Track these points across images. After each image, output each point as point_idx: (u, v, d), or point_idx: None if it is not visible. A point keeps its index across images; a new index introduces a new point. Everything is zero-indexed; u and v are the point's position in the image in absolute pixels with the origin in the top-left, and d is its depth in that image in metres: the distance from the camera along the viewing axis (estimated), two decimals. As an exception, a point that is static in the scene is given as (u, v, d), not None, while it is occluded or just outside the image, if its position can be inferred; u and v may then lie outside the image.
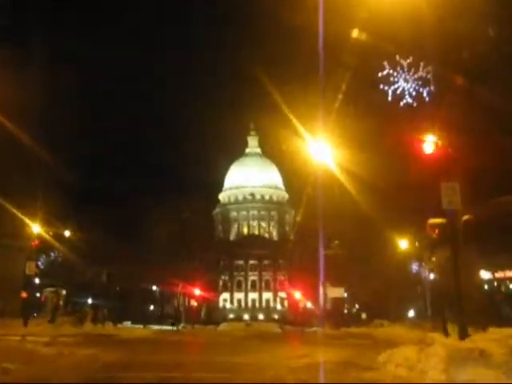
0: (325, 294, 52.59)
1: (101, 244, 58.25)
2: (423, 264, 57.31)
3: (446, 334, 30.92)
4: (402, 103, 40.71)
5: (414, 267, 57.31)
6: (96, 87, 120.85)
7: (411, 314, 75.15)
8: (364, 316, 67.67)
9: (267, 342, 28.76)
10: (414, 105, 40.01)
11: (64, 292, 47.89)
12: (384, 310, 66.51)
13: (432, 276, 38.11)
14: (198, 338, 33.77)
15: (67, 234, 52.41)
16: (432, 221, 19.92)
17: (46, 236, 48.21)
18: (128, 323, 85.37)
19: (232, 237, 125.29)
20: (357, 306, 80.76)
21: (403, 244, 55.30)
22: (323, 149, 29.74)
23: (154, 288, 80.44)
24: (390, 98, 40.97)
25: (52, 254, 59.71)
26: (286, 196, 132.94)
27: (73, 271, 56.13)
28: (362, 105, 41.79)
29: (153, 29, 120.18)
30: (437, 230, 20.19)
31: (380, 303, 63.76)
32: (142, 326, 49.28)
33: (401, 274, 56.16)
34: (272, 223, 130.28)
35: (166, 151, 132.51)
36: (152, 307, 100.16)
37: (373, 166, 43.51)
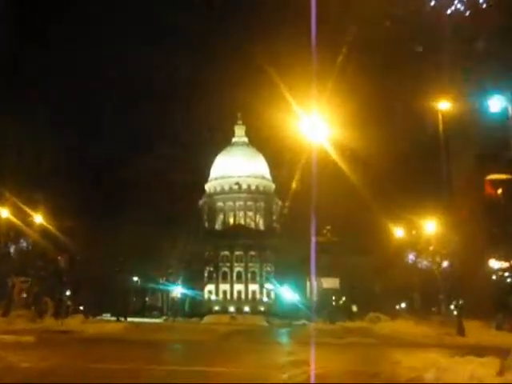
0: (318, 285, 48.01)
1: (75, 230, 53.14)
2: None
3: (462, 332, 26.71)
4: (448, 11, 31.29)
5: (411, 257, 53.01)
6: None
7: (403, 306, 71.56)
8: (355, 309, 63.29)
9: (254, 341, 24.26)
10: (466, 13, 31.13)
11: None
12: (375, 302, 62.44)
13: (445, 263, 33.42)
14: (174, 334, 29.08)
15: (38, 219, 47.62)
16: (493, 177, 15.22)
17: (15, 221, 43.81)
18: (107, 315, 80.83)
19: (218, 227, 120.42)
20: (343, 298, 76.74)
21: (399, 232, 51.16)
22: (317, 126, 25.28)
23: (135, 279, 75.36)
24: (432, 3, 31.87)
25: (23, 241, 54.32)
26: (273, 186, 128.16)
27: (44, 259, 50.88)
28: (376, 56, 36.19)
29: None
30: (500, 189, 15.42)
31: (373, 295, 59.68)
32: (115, 319, 44.50)
33: (396, 264, 51.89)
34: (259, 214, 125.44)
35: (150, 140, 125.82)
36: (134, 299, 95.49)
37: (372, 141, 39.14)
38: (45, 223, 49.09)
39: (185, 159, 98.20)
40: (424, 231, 47.79)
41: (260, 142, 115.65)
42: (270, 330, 39.03)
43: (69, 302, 44.24)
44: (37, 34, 78.05)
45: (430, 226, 46.26)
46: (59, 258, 46.70)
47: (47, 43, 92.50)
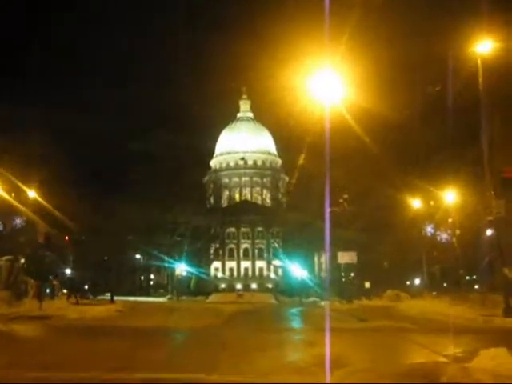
0: (332, 260, 43.42)
1: (71, 205, 48.91)
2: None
3: (509, 312, 22.23)
4: None
5: (429, 229, 48.48)
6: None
7: (416, 282, 67.20)
8: (367, 285, 58.86)
9: (264, 327, 19.91)
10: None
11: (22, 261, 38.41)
12: (387, 278, 58.25)
13: (490, 232, 28.81)
14: (172, 318, 24.73)
15: (32, 194, 43.48)
16: None
17: (7, 197, 39.92)
18: (107, 295, 76.97)
19: (223, 203, 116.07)
20: (352, 274, 72.44)
21: (416, 203, 46.65)
22: (330, 84, 20.65)
23: (138, 256, 71.24)
24: None
25: (16, 218, 50.13)
26: (280, 162, 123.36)
27: (36, 237, 46.80)
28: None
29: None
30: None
31: (384, 270, 55.38)
32: (109, 299, 40.43)
33: (413, 237, 47.37)
34: (265, 189, 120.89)
35: (153, 115, 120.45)
36: (142, 277, 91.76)
37: (392, 101, 34.33)
38: (41, 200, 45.25)
39: (189, 134, 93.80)
40: (443, 202, 43.47)
41: (266, 116, 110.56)
42: (280, 310, 34.73)
43: (55, 282, 39.88)
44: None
45: (450, 196, 41.97)
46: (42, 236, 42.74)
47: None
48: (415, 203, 45.67)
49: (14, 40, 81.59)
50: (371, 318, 22.48)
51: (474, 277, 47.54)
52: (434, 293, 40.12)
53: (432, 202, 46.05)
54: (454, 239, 46.15)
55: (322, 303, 57.04)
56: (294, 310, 32.57)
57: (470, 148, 38.18)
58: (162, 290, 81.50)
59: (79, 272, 67.05)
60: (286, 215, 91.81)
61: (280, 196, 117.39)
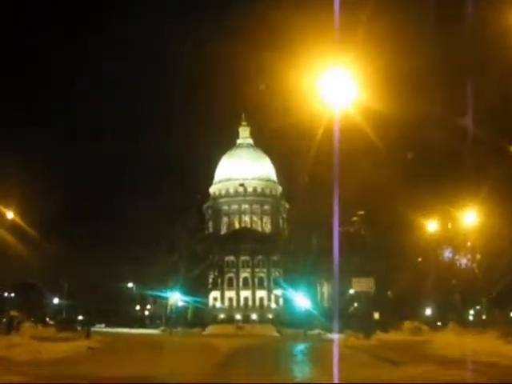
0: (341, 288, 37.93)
1: (56, 227, 44.30)
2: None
3: None
4: None
5: (447, 254, 43.08)
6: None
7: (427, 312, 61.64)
8: (377, 316, 53.08)
9: (269, 374, 14.58)
10: None
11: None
12: (397, 307, 52.79)
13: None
14: (154, 360, 19.22)
15: (10, 215, 38.72)
16: None
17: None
18: (102, 326, 71.31)
19: (223, 231, 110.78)
20: (355, 304, 66.70)
21: (432, 226, 41.53)
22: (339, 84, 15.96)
23: (130, 285, 65.69)
24: None
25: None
26: (280, 189, 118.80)
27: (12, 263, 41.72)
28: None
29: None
30: None
31: (400, 298, 49.84)
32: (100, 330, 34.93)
33: (429, 262, 42.05)
34: (265, 217, 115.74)
35: (153, 142, 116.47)
36: (138, 308, 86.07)
37: (405, 103, 29.48)
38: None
39: (188, 161, 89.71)
40: (462, 223, 38.49)
41: (266, 142, 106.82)
42: (285, 347, 29.16)
43: (15, 313, 34.42)
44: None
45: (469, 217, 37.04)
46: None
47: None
48: (431, 224, 40.60)
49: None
50: (405, 359, 17.15)
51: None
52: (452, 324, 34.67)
53: (450, 224, 41.12)
54: (475, 265, 41.14)
55: (329, 336, 51.42)
56: (301, 347, 27.06)
57: (492, 160, 33.46)
58: (158, 321, 75.93)
59: (70, 301, 62.29)
60: (286, 243, 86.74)
61: (280, 223, 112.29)
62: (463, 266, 41.27)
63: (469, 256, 40.94)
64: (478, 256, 41.15)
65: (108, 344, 25.71)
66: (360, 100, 20.08)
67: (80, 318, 73.55)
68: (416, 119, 32.57)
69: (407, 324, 32.79)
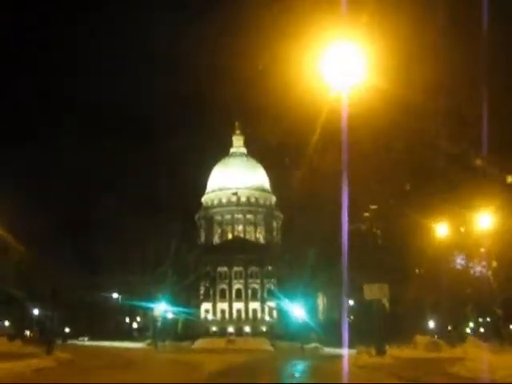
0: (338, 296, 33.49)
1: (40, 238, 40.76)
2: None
3: None
4: None
5: (459, 261, 38.76)
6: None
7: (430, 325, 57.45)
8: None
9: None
10: None
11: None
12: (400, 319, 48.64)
13: None
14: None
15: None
16: None
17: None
18: (84, 339, 66.64)
19: (215, 241, 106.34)
20: (352, 316, 62.24)
21: (442, 229, 37.21)
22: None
23: (115, 296, 61.02)
24: None
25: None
26: (274, 198, 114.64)
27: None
28: None
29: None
30: None
31: (407, 309, 45.54)
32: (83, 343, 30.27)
33: (440, 270, 37.73)
34: (259, 227, 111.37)
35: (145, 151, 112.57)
36: (127, 320, 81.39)
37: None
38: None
39: (180, 171, 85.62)
40: (476, 227, 34.26)
41: (259, 151, 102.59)
42: (281, 365, 24.67)
43: None
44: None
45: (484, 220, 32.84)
46: None
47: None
48: (441, 228, 36.25)
49: None
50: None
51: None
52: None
53: (462, 228, 36.86)
54: (490, 272, 36.87)
55: (327, 350, 46.91)
56: (301, 366, 22.61)
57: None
58: (147, 333, 71.28)
59: (50, 312, 57.69)
60: (281, 252, 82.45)
61: (274, 233, 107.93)
62: (477, 273, 37.03)
63: (483, 263, 36.76)
64: (494, 263, 36.94)
65: (65, 364, 21.18)
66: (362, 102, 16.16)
67: (67, 330, 69.34)
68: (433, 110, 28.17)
69: (421, 339, 28.43)
